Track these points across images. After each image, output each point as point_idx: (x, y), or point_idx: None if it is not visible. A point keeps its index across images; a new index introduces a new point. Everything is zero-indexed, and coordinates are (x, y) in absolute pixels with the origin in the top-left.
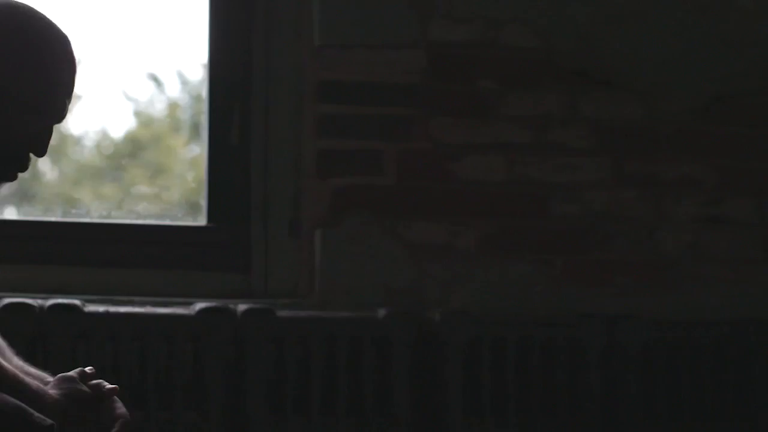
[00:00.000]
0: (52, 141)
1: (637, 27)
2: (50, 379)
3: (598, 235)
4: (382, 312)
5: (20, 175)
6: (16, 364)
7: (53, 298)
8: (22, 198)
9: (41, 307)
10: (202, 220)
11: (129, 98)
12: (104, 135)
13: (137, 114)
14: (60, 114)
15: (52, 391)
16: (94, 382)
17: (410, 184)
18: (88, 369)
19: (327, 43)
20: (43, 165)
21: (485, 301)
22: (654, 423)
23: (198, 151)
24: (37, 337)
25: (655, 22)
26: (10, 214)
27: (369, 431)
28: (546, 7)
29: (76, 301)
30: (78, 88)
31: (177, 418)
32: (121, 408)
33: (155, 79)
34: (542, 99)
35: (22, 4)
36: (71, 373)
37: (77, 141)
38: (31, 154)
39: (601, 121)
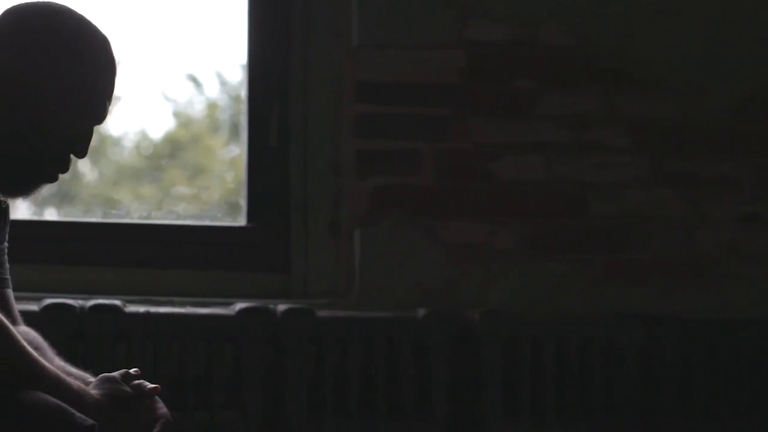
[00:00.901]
0: (92, 142)
1: (673, 26)
2: (92, 379)
3: (636, 235)
4: (421, 312)
5: (60, 176)
6: (57, 364)
7: (94, 298)
8: (63, 199)
9: (82, 308)
10: (241, 221)
11: (168, 99)
12: (143, 136)
13: (176, 115)
14: (100, 115)
15: (93, 392)
16: (136, 382)
17: (448, 183)
18: (132, 370)
19: (365, 43)
20: (83, 166)
21: (523, 300)
22: (692, 422)
23: (237, 151)
24: (77, 338)
25: (691, 21)
26: (51, 215)
27: (407, 431)
28: (583, 7)
29: (117, 302)
30: (117, 89)
31: (216, 417)
32: (162, 408)
33: (194, 79)
34: (580, 98)
35: (61, 5)
36: (114, 373)
37: (117, 142)
38: (72, 155)
39: (639, 121)
